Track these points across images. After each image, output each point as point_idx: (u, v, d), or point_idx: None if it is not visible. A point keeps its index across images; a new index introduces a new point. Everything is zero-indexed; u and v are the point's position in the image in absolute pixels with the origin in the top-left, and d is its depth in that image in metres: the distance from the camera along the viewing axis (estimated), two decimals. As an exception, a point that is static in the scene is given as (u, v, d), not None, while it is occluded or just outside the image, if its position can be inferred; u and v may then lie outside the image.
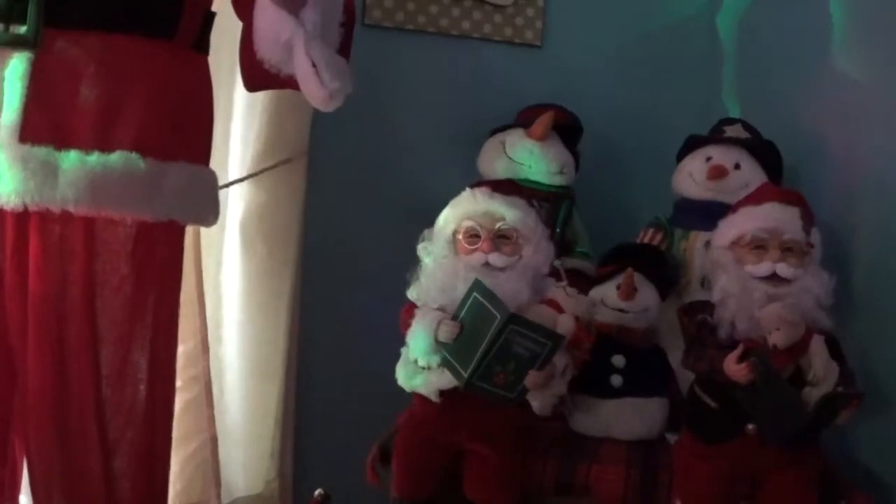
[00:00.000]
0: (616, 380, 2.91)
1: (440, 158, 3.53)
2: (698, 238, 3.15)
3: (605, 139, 3.61)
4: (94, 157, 2.14)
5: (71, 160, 2.13)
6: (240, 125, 3.07)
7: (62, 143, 2.14)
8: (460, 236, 2.70)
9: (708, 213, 3.02)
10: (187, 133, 2.33)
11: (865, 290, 3.03)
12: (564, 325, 2.66)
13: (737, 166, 3.22)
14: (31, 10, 2.12)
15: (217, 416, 3.05)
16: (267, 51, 2.25)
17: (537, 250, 2.71)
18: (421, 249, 2.74)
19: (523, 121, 3.35)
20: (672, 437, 2.90)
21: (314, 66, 2.16)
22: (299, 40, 2.17)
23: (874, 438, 2.93)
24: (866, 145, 3.11)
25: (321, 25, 2.20)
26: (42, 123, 2.14)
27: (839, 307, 2.83)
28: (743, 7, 3.82)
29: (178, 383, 2.54)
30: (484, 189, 2.76)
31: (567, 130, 3.38)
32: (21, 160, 2.11)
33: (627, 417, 2.91)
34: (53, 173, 2.12)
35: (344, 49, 2.30)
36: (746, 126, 3.39)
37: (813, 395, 2.55)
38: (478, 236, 2.68)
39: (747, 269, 2.68)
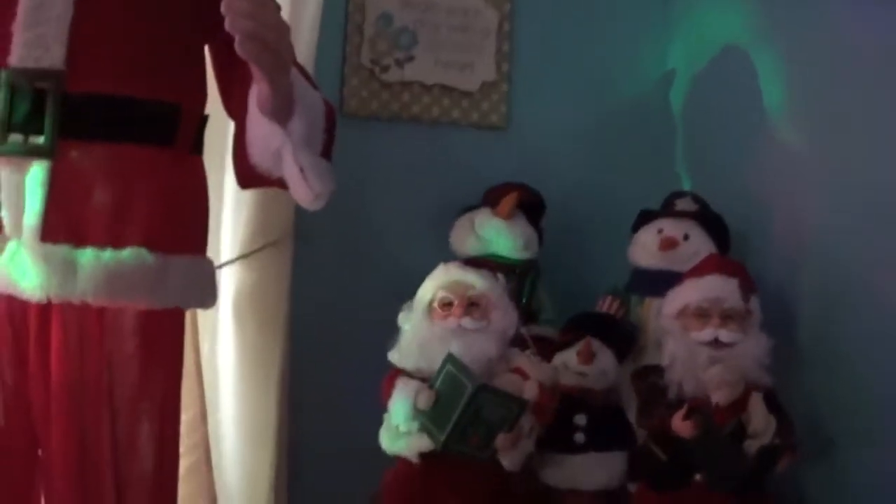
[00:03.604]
0: (579, 437, 3.10)
1: (415, 236, 3.71)
2: (653, 304, 3.32)
3: (567, 213, 3.78)
4: (108, 254, 2.25)
5: (88, 257, 2.24)
6: (230, 211, 3.20)
7: (79, 242, 2.25)
8: (436, 305, 2.97)
9: (661, 281, 3.22)
10: (188, 227, 2.45)
11: (809, 346, 3.19)
12: (530, 390, 2.91)
13: (686, 237, 3.38)
14: (48, 123, 2.24)
15: (216, 479, 3.18)
16: (259, 157, 2.35)
17: (504, 315, 2.98)
18: (401, 319, 3.00)
19: (490, 200, 3.53)
20: (633, 487, 3.07)
21: (302, 171, 2.28)
22: (288, 149, 2.28)
23: (822, 480, 3.09)
24: (808, 212, 3.27)
25: (307, 134, 2.31)
26: (61, 224, 2.26)
27: (786, 362, 3.03)
28: (691, 82, 3.97)
29: (181, 450, 2.59)
30: (456, 263, 3.04)
31: (531, 208, 3.56)
32: (43, 258, 2.23)
33: (591, 470, 3.09)
34: (73, 269, 2.23)
35: (326, 151, 2.41)
36: (696, 198, 3.55)
37: (753, 446, 2.75)
38: (451, 304, 2.94)
39: (692, 336, 2.90)
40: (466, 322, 2.95)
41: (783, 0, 3.47)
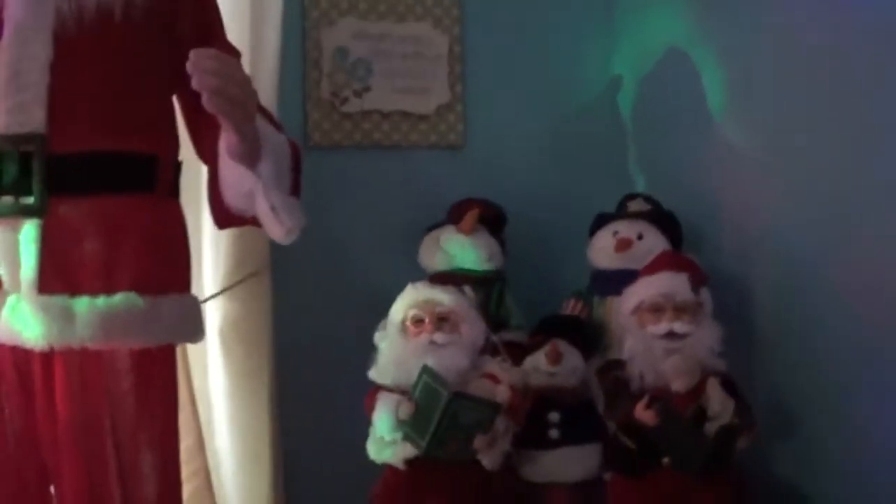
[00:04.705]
0: (554, 433, 3.25)
1: (385, 255, 3.80)
2: (614, 303, 3.38)
3: (528, 223, 3.86)
4: (102, 300, 2.37)
5: (83, 305, 2.36)
6: (209, 247, 3.28)
7: (74, 291, 2.37)
8: (408, 323, 3.11)
9: (620, 281, 3.32)
10: (173, 268, 2.56)
11: (764, 332, 3.36)
12: (501, 394, 3.05)
13: (640, 237, 3.49)
14: (37, 183, 2.35)
15: (217, 501, 3.28)
16: (232, 199, 2.47)
17: (472, 327, 3.14)
18: (377, 338, 3.14)
19: (454, 217, 3.63)
20: (608, 476, 3.20)
21: (273, 210, 2.39)
22: (259, 190, 2.39)
23: (787, 458, 3.27)
24: (756, 204, 3.42)
25: (275, 174, 2.42)
26: (55, 277, 2.37)
27: (745, 348, 3.18)
28: (638, 87, 4.09)
29: (183, 476, 2.67)
30: (424, 282, 3.19)
31: (493, 221, 3.66)
32: (42, 309, 2.35)
33: (567, 464, 3.24)
34: (70, 317, 2.35)
35: (295, 189, 2.52)
36: (648, 199, 3.67)
37: (713, 427, 2.87)
38: (422, 321, 3.09)
39: (649, 330, 3.03)
40: (438, 337, 3.11)
41: (722, 4, 3.60)
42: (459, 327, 3.14)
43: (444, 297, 3.15)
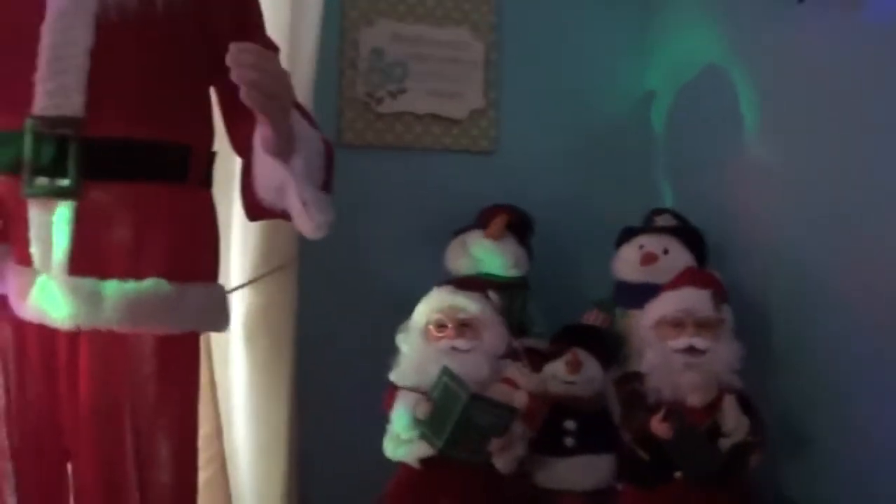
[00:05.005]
0: (569, 441, 3.25)
1: (412, 256, 3.80)
2: (636, 316, 3.36)
3: (554, 231, 3.88)
4: (131, 285, 2.40)
5: (112, 288, 2.39)
6: (238, 238, 3.29)
7: (104, 274, 2.40)
8: (431, 327, 3.13)
9: (644, 294, 3.31)
10: (202, 257, 2.60)
11: (784, 348, 3.34)
12: (519, 399, 3.07)
13: (665, 251, 3.50)
14: (72, 166, 2.38)
15: (232, 490, 3.30)
16: (264, 192, 2.50)
17: (494, 334, 3.15)
18: (399, 340, 3.15)
19: (482, 222, 3.65)
20: (620, 486, 3.21)
21: (304, 205, 2.43)
22: (291, 184, 2.43)
23: (796, 473, 3.26)
24: (781, 223, 3.40)
25: (307, 169, 2.45)
26: (86, 259, 2.40)
27: (763, 364, 3.16)
28: (670, 102, 4.09)
29: (199, 463, 2.70)
30: (448, 287, 3.19)
31: (520, 228, 3.67)
32: (72, 290, 2.38)
33: (581, 472, 3.24)
34: (99, 300, 2.38)
35: (326, 185, 2.54)
36: (675, 215, 3.68)
37: (727, 444, 2.90)
38: (445, 326, 3.11)
39: (669, 344, 3.04)
40: (459, 343, 3.13)
41: (756, 22, 3.59)
42: (481, 334, 3.15)
43: (468, 303, 3.16)
